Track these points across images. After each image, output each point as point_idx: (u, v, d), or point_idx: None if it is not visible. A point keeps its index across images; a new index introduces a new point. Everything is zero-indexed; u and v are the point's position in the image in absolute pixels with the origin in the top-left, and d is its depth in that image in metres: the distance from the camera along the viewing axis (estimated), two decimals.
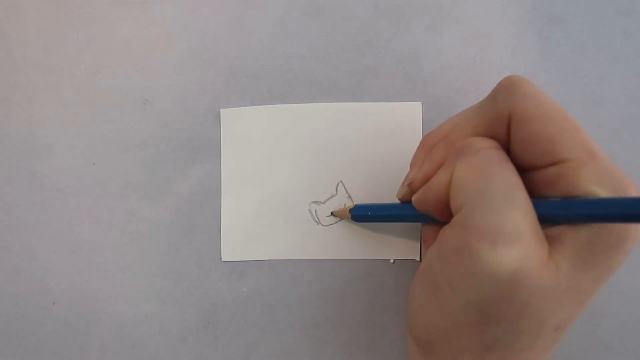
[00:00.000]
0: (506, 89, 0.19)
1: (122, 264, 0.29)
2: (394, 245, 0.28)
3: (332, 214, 0.28)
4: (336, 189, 0.29)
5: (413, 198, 0.22)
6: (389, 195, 0.28)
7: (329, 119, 0.29)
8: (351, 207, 0.27)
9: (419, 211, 0.22)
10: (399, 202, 0.24)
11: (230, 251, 0.29)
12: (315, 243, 0.29)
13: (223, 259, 0.29)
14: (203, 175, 0.29)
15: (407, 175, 0.24)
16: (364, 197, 0.28)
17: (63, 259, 0.30)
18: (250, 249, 0.29)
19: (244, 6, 0.29)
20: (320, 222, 0.29)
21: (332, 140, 0.29)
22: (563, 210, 0.17)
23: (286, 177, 0.29)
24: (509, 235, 0.16)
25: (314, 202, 0.29)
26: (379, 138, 0.28)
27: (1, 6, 0.30)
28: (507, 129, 0.19)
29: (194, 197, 0.29)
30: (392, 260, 0.28)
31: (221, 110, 0.29)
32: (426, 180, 0.21)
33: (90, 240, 0.29)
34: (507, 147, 0.19)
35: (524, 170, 0.19)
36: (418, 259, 0.28)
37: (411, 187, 0.22)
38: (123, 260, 0.29)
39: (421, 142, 0.23)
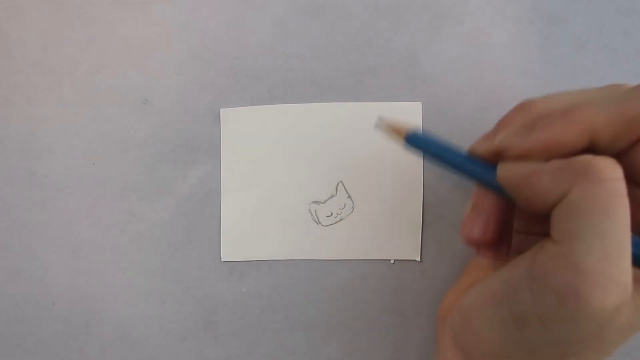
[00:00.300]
0: None
1: (121, 264, 0.29)
2: (394, 246, 0.28)
3: (379, 120, 0.23)
4: (336, 189, 0.29)
5: (500, 169, 0.19)
6: (389, 195, 0.28)
7: (328, 119, 0.29)
8: (409, 130, 0.22)
9: (497, 184, 0.19)
10: (468, 153, 0.21)
11: (230, 251, 0.29)
12: (315, 243, 0.29)
13: (223, 259, 0.29)
14: (203, 175, 0.29)
15: (496, 131, 0.20)
16: (364, 197, 0.28)
17: (63, 259, 0.29)
18: (250, 249, 0.29)
19: (244, 6, 0.29)
20: (320, 222, 0.29)
21: (331, 140, 0.29)
22: None
23: (286, 177, 0.29)
24: (619, 284, 0.16)
25: (313, 202, 0.29)
26: (379, 138, 0.28)
27: (1, 6, 0.30)
28: (635, 139, 0.17)
29: (194, 197, 0.29)
30: (392, 261, 0.28)
31: (221, 110, 0.29)
32: (527, 151, 0.18)
33: (90, 240, 0.29)
34: (625, 150, 0.18)
35: (634, 184, 0.18)
36: (419, 259, 0.28)
37: (500, 148, 0.19)
38: (123, 260, 0.29)
39: (519, 106, 0.20)
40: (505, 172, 0.19)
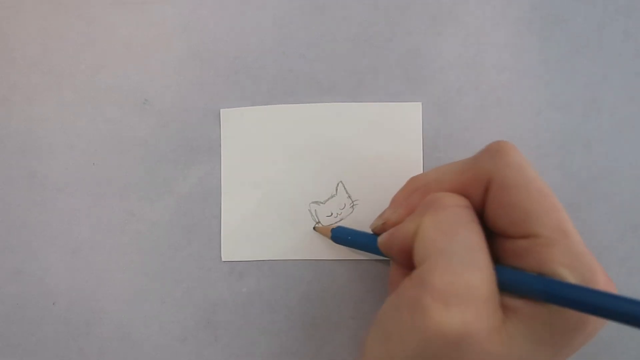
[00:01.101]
0: (491, 153, 0.19)
1: (121, 264, 0.29)
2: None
3: (314, 229, 0.28)
4: (336, 189, 0.29)
5: (379, 240, 0.22)
6: (390, 195, 0.27)
7: (329, 119, 0.29)
8: (333, 227, 0.27)
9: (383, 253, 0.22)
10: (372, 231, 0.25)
11: (230, 251, 0.29)
12: (315, 243, 0.28)
13: (223, 259, 0.29)
14: (203, 175, 0.29)
15: (384, 212, 0.24)
16: (364, 198, 0.28)
17: (63, 259, 0.29)
18: (250, 249, 0.29)
19: (244, 6, 0.29)
20: (320, 222, 0.29)
21: (332, 140, 0.29)
22: (525, 284, 0.18)
23: (286, 177, 0.29)
24: (462, 297, 0.17)
25: (314, 202, 0.29)
26: (379, 138, 0.28)
27: (1, 6, 0.30)
28: (485, 191, 0.19)
29: (194, 197, 0.29)
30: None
31: (221, 110, 0.29)
32: (398, 222, 0.22)
33: (90, 240, 0.29)
34: (481, 209, 0.20)
35: (496, 236, 0.19)
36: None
37: (384, 228, 0.23)
38: (123, 260, 0.29)
39: (407, 183, 0.24)
40: (381, 240, 0.22)
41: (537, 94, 0.28)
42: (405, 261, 0.20)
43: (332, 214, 0.28)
